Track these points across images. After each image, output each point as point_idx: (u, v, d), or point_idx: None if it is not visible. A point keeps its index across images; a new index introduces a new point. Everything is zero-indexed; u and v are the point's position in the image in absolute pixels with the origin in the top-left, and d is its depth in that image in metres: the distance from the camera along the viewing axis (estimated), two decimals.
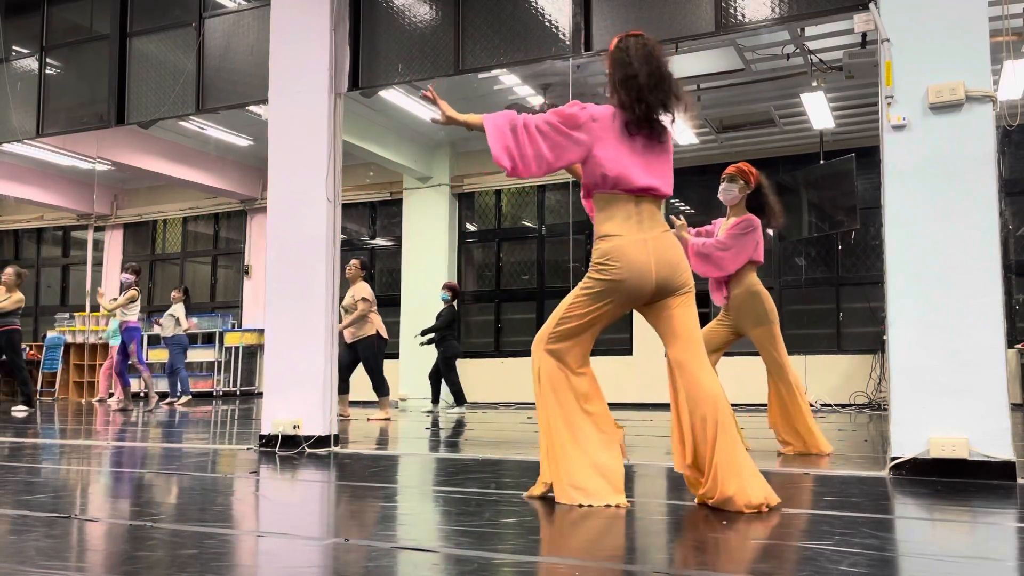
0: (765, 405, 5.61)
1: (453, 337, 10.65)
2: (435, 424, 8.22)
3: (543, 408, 3.28)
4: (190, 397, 11.73)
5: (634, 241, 3.13)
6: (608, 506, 3.07)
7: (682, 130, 10.87)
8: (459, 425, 8.06)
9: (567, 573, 2.07)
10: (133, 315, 10.50)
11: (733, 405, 5.35)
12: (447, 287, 10.73)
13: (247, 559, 2.37)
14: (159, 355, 14.99)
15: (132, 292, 10.44)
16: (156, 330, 12.61)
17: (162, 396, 12.31)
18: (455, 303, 10.76)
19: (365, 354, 8.97)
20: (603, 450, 3.26)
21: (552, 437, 3.24)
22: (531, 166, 3.18)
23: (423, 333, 10.69)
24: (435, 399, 10.74)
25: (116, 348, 10.88)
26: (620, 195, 3.17)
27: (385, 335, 9.21)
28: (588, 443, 3.26)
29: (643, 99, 3.10)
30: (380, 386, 8.99)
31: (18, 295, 10.15)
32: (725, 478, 2.98)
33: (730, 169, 5.43)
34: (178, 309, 11.62)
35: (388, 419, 8.76)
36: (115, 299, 10.70)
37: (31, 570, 2.10)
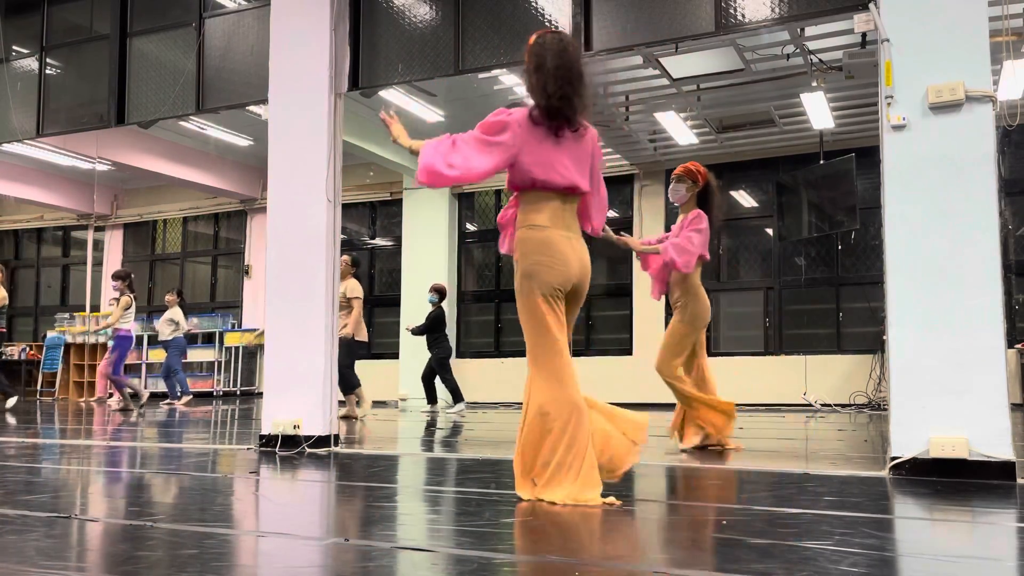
0: (764, 405, 5.59)
1: (445, 338, 10.67)
2: (433, 424, 8.22)
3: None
4: (191, 397, 11.73)
5: (562, 236, 3.31)
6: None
7: (682, 130, 10.87)
8: (459, 425, 8.06)
9: (567, 573, 2.07)
10: (127, 323, 10.47)
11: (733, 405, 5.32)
12: (434, 289, 10.72)
13: (247, 559, 2.37)
14: (161, 355, 15.01)
15: (126, 300, 10.42)
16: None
17: (161, 397, 12.30)
18: (443, 304, 10.77)
19: (347, 350, 9.06)
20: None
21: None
22: (455, 173, 3.25)
23: (414, 331, 10.70)
24: (431, 399, 10.74)
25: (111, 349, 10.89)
26: (545, 192, 3.32)
27: (361, 338, 9.18)
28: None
29: (549, 87, 3.23)
30: (345, 383, 9.06)
31: (2, 293, 10.14)
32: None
33: (678, 169, 5.57)
34: (175, 312, 11.61)
35: (354, 417, 8.84)
36: (108, 314, 10.65)
37: (31, 570, 2.10)
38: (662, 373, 5.47)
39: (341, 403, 10.31)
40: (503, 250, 3.63)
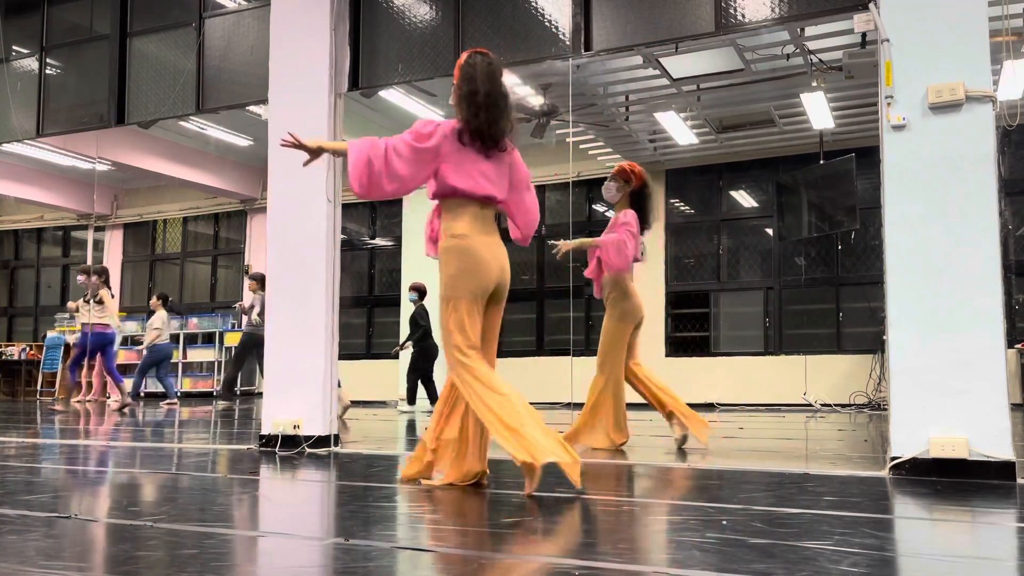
0: (764, 405, 5.61)
1: (429, 336, 10.70)
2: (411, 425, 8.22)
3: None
4: (177, 401, 11.77)
5: (482, 242, 3.56)
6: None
7: (682, 130, 10.87)
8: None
9: (567, 573, 2.08)
10: (106, 319, 10.42)
11: (733, 405, 5.29)
12: (414, 288, 10.70)
13: (247, 559, 2.37)
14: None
15: (104, 293, 10.37)
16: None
17: (161, 396, 12.31)
18: (424, 302, 10.78)
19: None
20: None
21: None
22: (384, 186, 3.50)
23: (402, 346, 10.71)
24: (432, 398, 10.76)
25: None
26: (467, 201, 3.55)
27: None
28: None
29: (479, 114, 3.51)
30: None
31: None
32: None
33: (614, 168, 5.61)
34: (157, 318, 11.61)
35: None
36: (94, 306, 10.49)
37: (31, 570, 2.10)
38: (602, 373, 5.55)
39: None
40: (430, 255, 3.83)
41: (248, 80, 6.19)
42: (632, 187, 5.55)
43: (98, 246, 16.52)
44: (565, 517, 2.92)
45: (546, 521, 2.83)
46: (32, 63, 7.47)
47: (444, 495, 3.47)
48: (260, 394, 10.12)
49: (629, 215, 5.50)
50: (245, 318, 10.66)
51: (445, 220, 3.62)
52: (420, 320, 10.63)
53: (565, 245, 5.58)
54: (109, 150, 12.64)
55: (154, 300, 11.88)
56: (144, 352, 11.48)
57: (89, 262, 16.38)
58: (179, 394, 11.66)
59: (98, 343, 10.47)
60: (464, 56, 3.64)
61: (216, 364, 14.61)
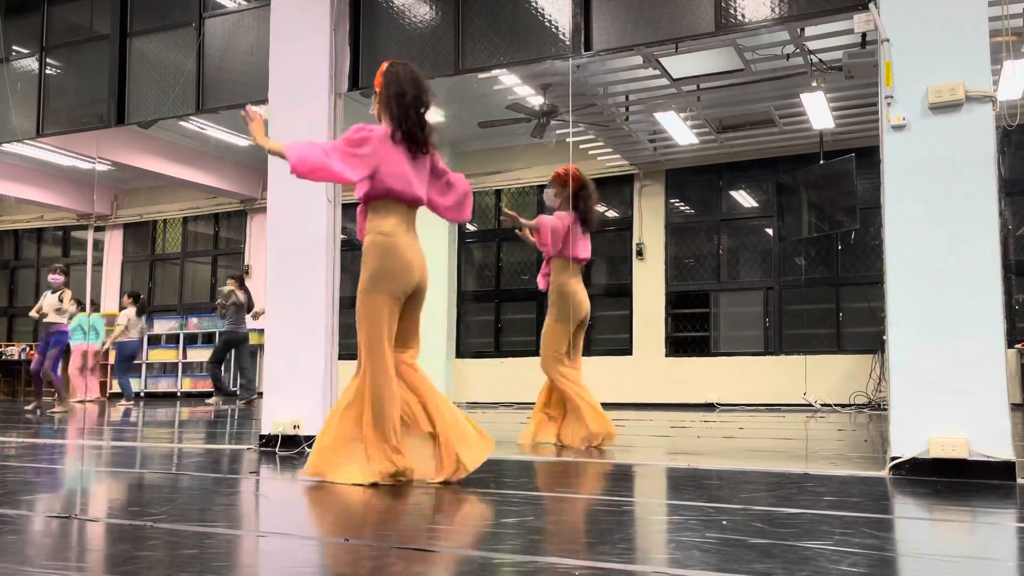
0: (764, 405, 5.63)
1: None
2: None
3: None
4: (131, 401, 11.78)
5: (407, 243, 3.72)
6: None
7: (682, 130, 10.87)
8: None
9: (567, 573, 2.08)
10: (64, 318, 10.41)
11: (733, 405, 5.31)
12: None
13: (247, 559, 2.37)
14: (161, 355, 15.01)
15: (68, 292, 10.39)
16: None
17: (161, 396, 12.31)
18: None
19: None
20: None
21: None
22: (335, 168, 3.64)
23: None
24: None
25: (79, 347, 10.96)
26: (396, 202, 3.72)
27: None
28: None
29: (409, 114, 3.69)
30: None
31: None
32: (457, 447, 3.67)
33: (552, 175, 5.79)
34: (124, 315, 11.64)
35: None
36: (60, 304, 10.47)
37: (31, 570, 2.10)
38: (545, 371, 5.71)
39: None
40: None
41: (248, 80, 6.19)
42: (569, 191, 5.71)
43: (98, 246, 16.52)
44: (565, 517, 2.92)
45: (546, 521, 2.83)
46: (32, 63, 7.46)
47: (445, 496, 3.47)
48: (260, 394, 10.12)
49: (562, 216, 5.67)
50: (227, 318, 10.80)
51: (372, 219, 3.76)
52: None
53: (516, 218, 5.73)
54: (109, 150, 12.64)
55: (125, 298, 11.93)
56: (110, 350, 11.52)
57: (89, 262, 16.40)
58: (141, 395, 11.70)
59: (62, 342, 10.50)
60: (385, 65, 3.85)
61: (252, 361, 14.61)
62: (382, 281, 3.67)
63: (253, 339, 14.39)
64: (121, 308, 11.89)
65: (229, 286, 10.95)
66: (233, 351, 11.15)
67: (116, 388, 14.76)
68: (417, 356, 3.86)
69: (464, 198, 4.02)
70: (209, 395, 12.94)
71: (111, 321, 12.52)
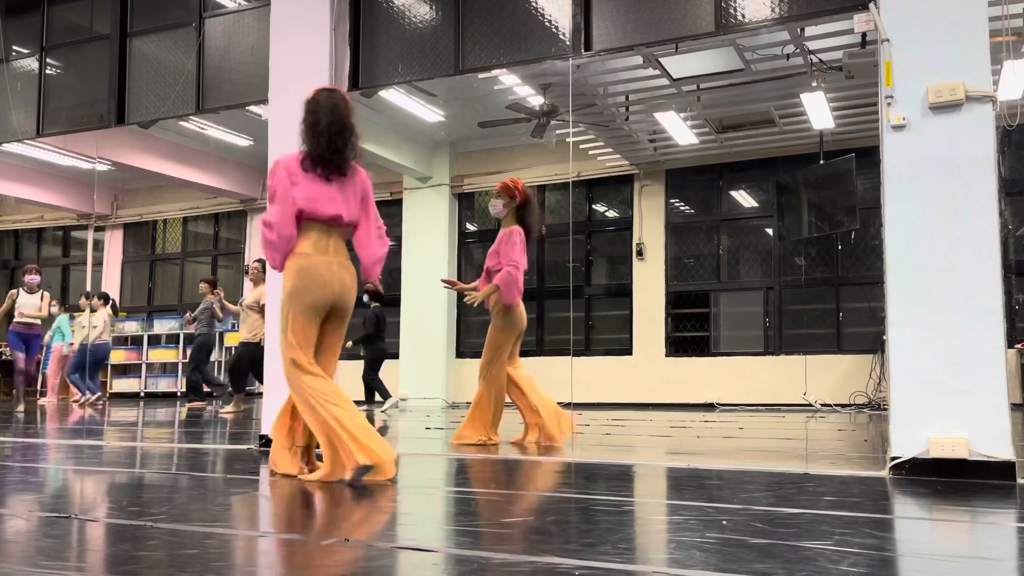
0: (764, 405, 5.64)
1: (380, 339, 10.68)
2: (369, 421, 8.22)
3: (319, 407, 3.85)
4: (95, 395, 11.82)
5: (322, 261, 3.87)
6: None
7: (682, 130, 10.87)
8: (458, 424, 8.05)
9: (567, 573, 2.08)
10: (36, 320, 10.44)
11: (733, 405, 5.33)
12: (365, 291, 10.62)
13: (247, 559, 2.37)
14: (161, 355, 15.02)
15: (47, 294, 10.45)
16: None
17: (160, 397, 12.30)
18: (378, 305, 10.73)
19: (243, 352, 9.57)
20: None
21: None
22: (284, 246, 3.94)
23: (355, 343, 10.65)
24: (383, 395, 10.73)
25: (59, 348, 10.98)
26: (311, 223, 3.89)
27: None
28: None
29: (320, 141, 3.86)
30: (237, 384, 9.77)
31: None
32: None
33: (497, 185, 5.86)
34: (99, 317, 11.64)
35: (236, 412, 9.48)
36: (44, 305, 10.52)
37: (31, 570, 2.10)
38: (483, 376, 5.86)
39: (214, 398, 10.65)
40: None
41: (248, 80, 6.19)
42: (517, 202, 5.80)
43: (98, 246, 16.52)
44: (565, 517, 2.92)
45: (546, 521, 2.83)
46: (32, 63, 7.46)
47: (444, 496, 3.47)
48: (260, 394, 10.13)
49: (513, 231, 5.74)
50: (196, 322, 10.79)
51: (297, 240, 3.95)
52: (374, 323, 10.63)
53: (474, 296, 5.82)
54: (109, 150, 12.64)
55: (95, 299, 11.93)
56: (77, 351, 11.54)
57: (89, 262, 16.40)
58: (104, 397, 11.72)
59: (39, 345, 10.55)
60: (311, 92, 4.01)
61: (216, 364, 14.61)
62: (295, 299, 3.86)
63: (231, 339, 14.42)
64: (92, 310, 11.83)
65: (211, 295, 10.84)
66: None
67: (115, 388, 14.81)
68: (332, 374, 4.04)
69: (370, 258, 4.18)
70: (209, 396, 12.96)
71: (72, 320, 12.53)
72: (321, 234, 3.92)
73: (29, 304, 10.28)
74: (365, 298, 10.57)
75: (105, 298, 11.99)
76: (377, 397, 10.75)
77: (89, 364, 11.75)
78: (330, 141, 3.87)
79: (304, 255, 3.89)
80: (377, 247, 4.16)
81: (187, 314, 11.27)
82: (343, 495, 3.52)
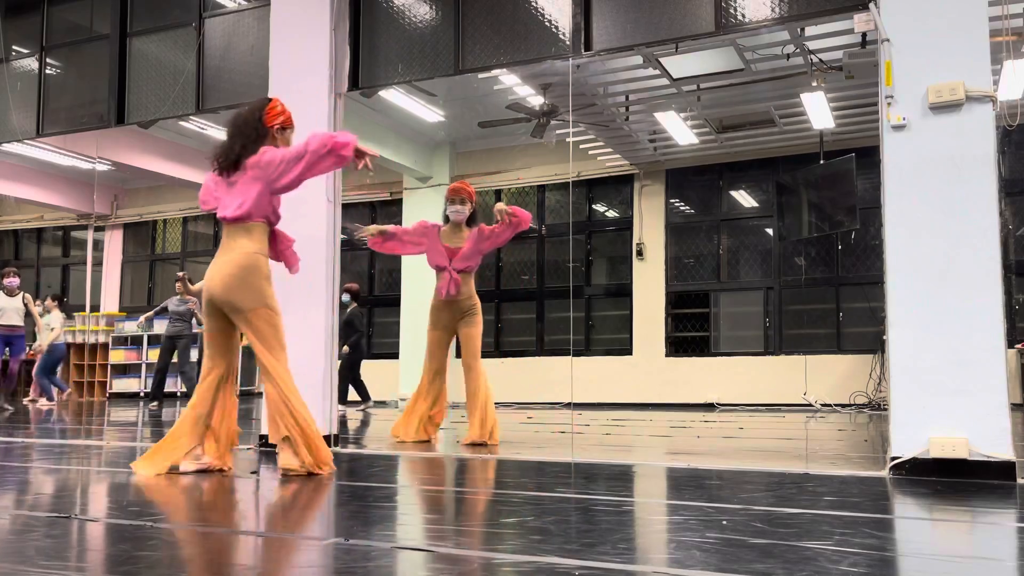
0: (764, 405, 5.63)
1: (360, 339, 10.65)
2: (343, 422, 8.20)
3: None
4: (52, 401, 11.82)
5: (214, 260, 4.13)
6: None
7: (682, 130, 10.87)
8: (458, 425, 8.06)
9: (567, 573, 2.08)
10: (20, 320, 10.51)
11: (733, 405, 5.34)
12: (347, 290, 10.59)
13: (247, 559, 2.37)
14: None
15: (28, 295, 10.54)
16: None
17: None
18: (357, 304, 10.71)
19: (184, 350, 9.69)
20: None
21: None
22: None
23: (348, 346, 10.61)
24: (364, 397, 10.70)
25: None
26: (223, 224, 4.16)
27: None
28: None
29: (217, 153, 4.17)
30: None
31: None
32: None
33: (458, 191, 6.08)
34: (55, 319, 11.66)
35: None
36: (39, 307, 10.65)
37: (31, 570, 2.10)
38: (479, 370, 6.07)
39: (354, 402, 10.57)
40: None
41: (248, 80, 6.19)
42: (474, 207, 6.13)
43: (98, 246, 16.52)
44: (565, 517, 2.92)
45: (546, 521, 2.83)
46: (32, 63, 7.46)
47: (444, 497, 3.47)
48: (260, 394, 10.14)
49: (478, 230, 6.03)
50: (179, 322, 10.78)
51: None
52: (356, 323, 10.60)
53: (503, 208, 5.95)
54: (109, 150, 12.63)
55: (49, 300, 11.96)
56: (41, 353, 11.57)
57: (89, 262, 16.39)
58: (43, 397, 11.73)
59: (23, 347, 10.60)
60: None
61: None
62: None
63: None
64: (46, 310, 11.84)
65: (178, 288, 10.79)
66: (177, 352, 11.04)
67: (115, 388, 14.80)
68: (230, 374, 4.22)
69: (290, 256, 4.41)
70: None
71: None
72: (223, 234, 4.19)
73: (10, 308, 10.30)
74: (346, 298, 10.52)
75: (59, 299, 12.08)
76: (352, 396, 10.71)
77: (49, 365, 11.80)
78: (224, 148, 4.17)
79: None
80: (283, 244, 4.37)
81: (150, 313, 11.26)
82: (343, 496, 3.53)
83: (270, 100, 4.25)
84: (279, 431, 4.04)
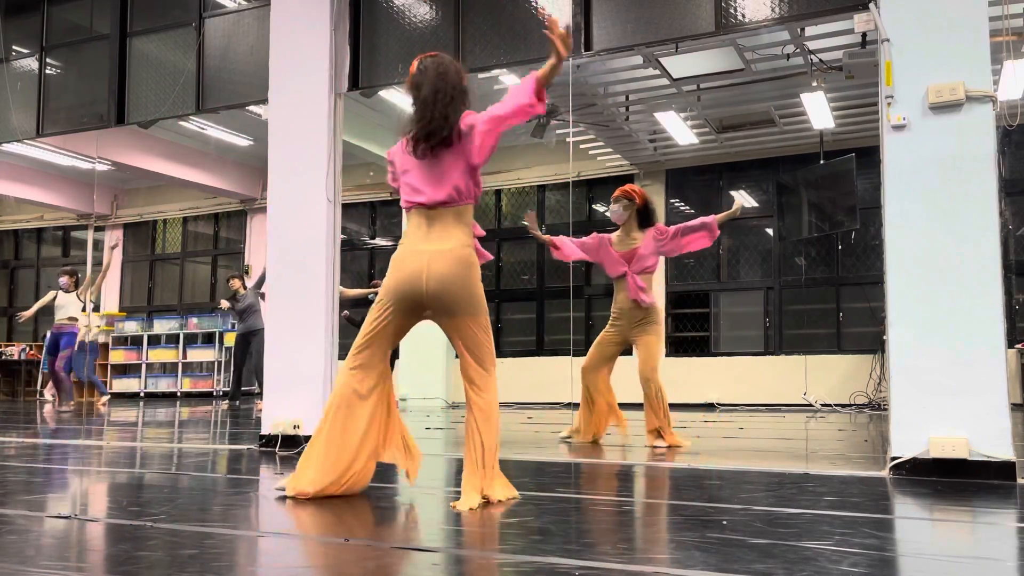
0: (764, 405, 5.66)
1: None
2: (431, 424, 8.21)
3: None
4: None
5: (414, 251, 3.31)
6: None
7: (682, 130, 10.87)
8: (458, 424, 8.06)
9: (567, 573, 2.08)
10: (75, 320, 10.69)
11: (733, 405, 5.33)
12: (377, 285, 10.57)
13: (247, 559, 2.37)
14: (161, 355, 15.01)
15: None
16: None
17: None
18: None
19: (258, 347, 9.65)
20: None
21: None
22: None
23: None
24: None
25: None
26: (411, 209, 3.37)
27: None
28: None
29: (423, 116, 3.29)
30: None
31: None
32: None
33: (617, 191, 6.12)
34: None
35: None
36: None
37: (31, 570, 2.10)
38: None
39: None
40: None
41: (248, 80, 6.19)
42: (637, 205, 6.11)
43: (98, 246, 16.52)
44: (565, 517, 2.92)
45: (546, 521, 2.83)
46: (32, 63, 7.46)
47: (444, 496, 3.47)
48: (260, 394, 10.16)
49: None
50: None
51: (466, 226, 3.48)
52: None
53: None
54: (109, 150, 12.63)
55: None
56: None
57: (89, 262, 16.39)
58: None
59: (72, 343, 10.75)
60: (414, 63, 3.45)
61: (216, 364, 14.62)
62: (382, 300, 3.51)
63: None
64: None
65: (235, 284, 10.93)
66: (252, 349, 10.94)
67: (115, 388, 14.80)
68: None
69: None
70: (209, 395, 12.97)
71: None
72: (419, 220, 3.38)
73: (65, 304, 10.56)
74: (375, 295, 10.48)
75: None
76: None
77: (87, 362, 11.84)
78: (432, 114, 3.30)
79: (399, 245, 3.44)
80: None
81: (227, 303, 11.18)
82: (343, 496, 3.53)
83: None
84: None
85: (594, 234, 6.09)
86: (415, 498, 3.54)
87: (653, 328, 5.85)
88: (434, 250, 3.31)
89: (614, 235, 6.06)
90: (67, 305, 10.56)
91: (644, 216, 6.03)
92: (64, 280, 10.67)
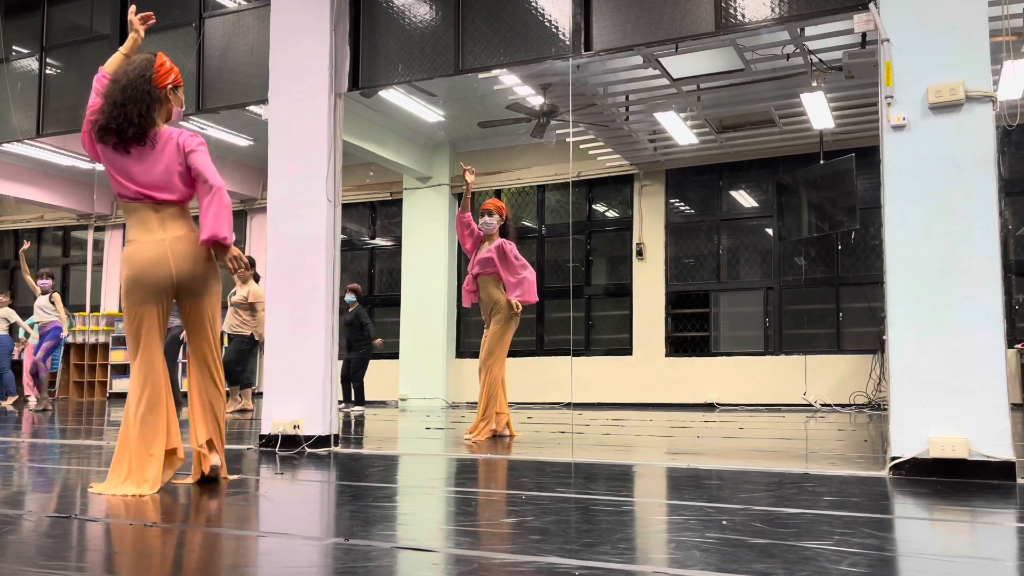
0: (764, 405, 5.66)
1: (367, 338, 10.62)
2: (346, 423, 8.20)
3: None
4: (15, 397, 11.83)
5: (150, 242, 3.71)
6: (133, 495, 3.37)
7: (682, 130, 10.87)
8: (458, 424, 8.06)
9: (567, 573, 2.08)
10: (54, 316, 10.93)
11: (733, 405, 5.33)
12: (352, 289, 10.51)
13: (247, 559, 2.37)
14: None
15: (57, 295, 11.00)
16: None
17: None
18: (359, 305, 10.66)
19: (238, 347, 9.80)
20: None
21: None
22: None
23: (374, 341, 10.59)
24: (351, 399, 10.65)
25: (33, 348, 11.20)
26: (129, 203, 3.77)
27: (259, 338, 9.81)
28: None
29: (106, 111, 3.62)
30: (237, 378, 9.89)
31: None
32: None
33: (490, 204, 6.56)
34: (7, 313, 11.81)
35: (247, 409, 9.74)
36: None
37: (31, 570, 2.10)
38: (490, 370, 6.66)
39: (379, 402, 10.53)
40: None
41: (248, 80, 6.19)
42: (503, 220, 6.56)
43: (98, 246, 16.52)
44: (565, 517, 2.92)
45: (546, 521, 2.83)
46: (32, 63, 7.46)
47: (444, 495, 3.47)
48: (260, 394, 10.15)
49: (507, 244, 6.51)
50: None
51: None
52: (365, 321, 10.56)
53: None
54: None
55: (2, 297, 12.14)
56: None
57: (89, 262, 16.40)
58: (5, 396, 11.76)
59: (56, 336, 11.01)
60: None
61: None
62: (129, 292, 3.85)
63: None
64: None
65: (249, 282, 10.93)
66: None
67: (115, 388, 14.80)
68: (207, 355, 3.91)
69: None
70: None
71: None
72: (145, 215, 3.80)
73: (40, 305, 10.96)
74: (350, 297, 10.46)
75: (9, 294, 12.39)
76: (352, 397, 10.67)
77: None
78: (117, 112, 3.66)
79: (128, 241, 3.78)
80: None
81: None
82: (343, 496, 3.53)
83: (155, 57, 3.85)
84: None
85: (478, 232, 6.54)
86: (415, 498, 3.54)
87: (496, 320, 6.59)
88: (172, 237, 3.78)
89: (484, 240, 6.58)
90: (47, 306, 10.90)
91: (503, 230, 6.61)
92: (47, 283, 10.88)
